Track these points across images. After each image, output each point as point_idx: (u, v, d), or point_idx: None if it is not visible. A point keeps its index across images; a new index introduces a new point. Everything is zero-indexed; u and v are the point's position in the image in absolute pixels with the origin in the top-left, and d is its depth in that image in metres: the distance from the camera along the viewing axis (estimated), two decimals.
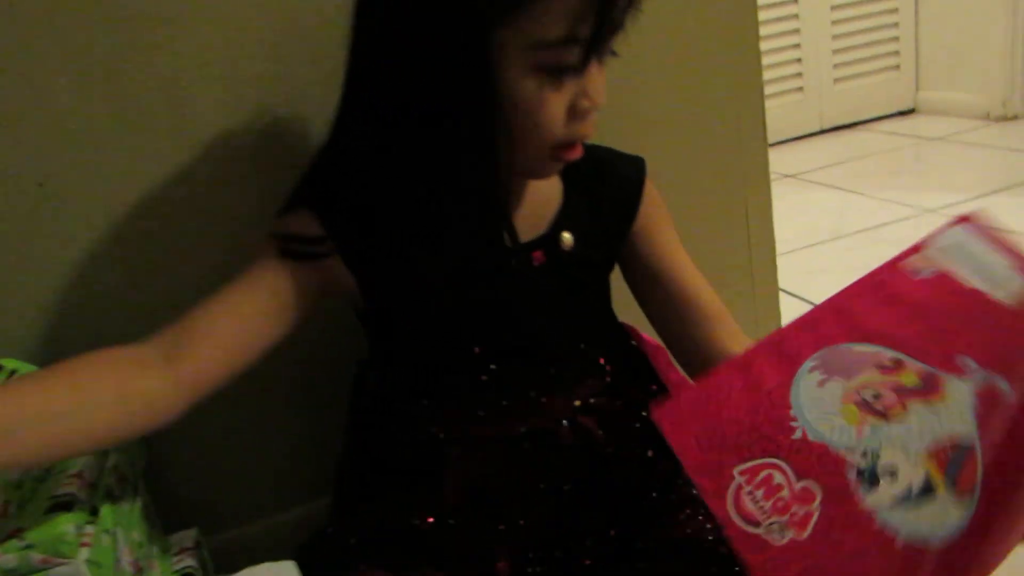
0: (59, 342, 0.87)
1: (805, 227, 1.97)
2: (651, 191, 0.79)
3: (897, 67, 2.93)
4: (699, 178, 1.10)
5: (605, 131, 0.81)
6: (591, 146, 0.78)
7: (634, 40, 0.80)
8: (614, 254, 0.79)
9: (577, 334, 0.77)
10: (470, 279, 0.71)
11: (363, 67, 0.65)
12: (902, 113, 2.98)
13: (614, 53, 0.65)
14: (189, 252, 0.88)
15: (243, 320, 0.66)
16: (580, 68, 0.60)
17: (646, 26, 0.94)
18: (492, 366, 0.73)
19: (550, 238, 0.73)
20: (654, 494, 0.76)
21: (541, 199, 0.74)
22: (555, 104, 0.61)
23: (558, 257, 0.73)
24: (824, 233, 1.91)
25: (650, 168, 0.80)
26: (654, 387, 0.81)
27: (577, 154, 0.66)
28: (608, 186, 0.76)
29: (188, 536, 0.91)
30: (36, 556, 0.63)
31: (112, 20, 0.79)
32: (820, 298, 1.64)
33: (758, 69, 1.10)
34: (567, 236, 0.73)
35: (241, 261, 0.69)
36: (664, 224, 0.80)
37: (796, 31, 2.78)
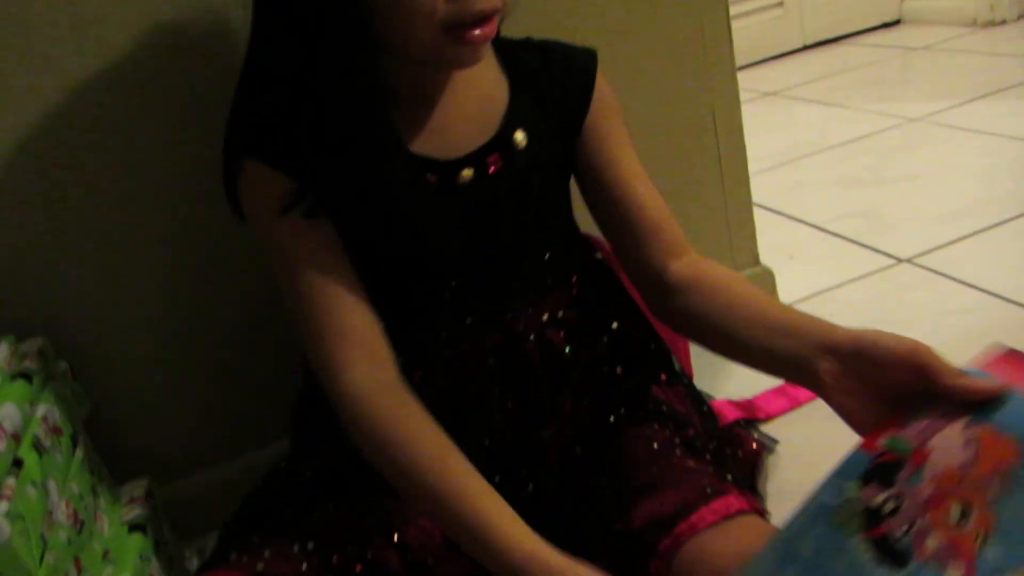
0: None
1: (786, 143, 1.90)
2: (603, 85, 0.73)
3: None
4: (663, 90, 1.04)
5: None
6: (539, 40, 0.74)
7: None
8: (569, 153, 0.73)
9: (540, 244, 0.72)
10: (403, 192, 0.66)
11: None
12: (887, 25, 2.89)
13: None
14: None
15: (360, 294, 0.65)
16: None
17: None
18: (453, 283, 0.68)
19: (502, 139, 0.68)
20: (622, 410, 0.73)
21: (485, 99, 0.69)
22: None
23: (513, 160, 0.68)
24: (806, 148, 1.85)
25: (613, 80, 0.74)
26: (620, 299, 0.78)
27: (485, 32, 0.60)
28: (557, 78, 0.71)
29: (139, 486, 0.87)
30: None
31: None
32: (801, 213, 1.59)
33: None
34: (519, 135, 0.69)
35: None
36: (616, 124, 0.74)
37: None
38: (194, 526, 0.92)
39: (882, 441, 0.48)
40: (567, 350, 0.73)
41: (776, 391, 0.96)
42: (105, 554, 0.78)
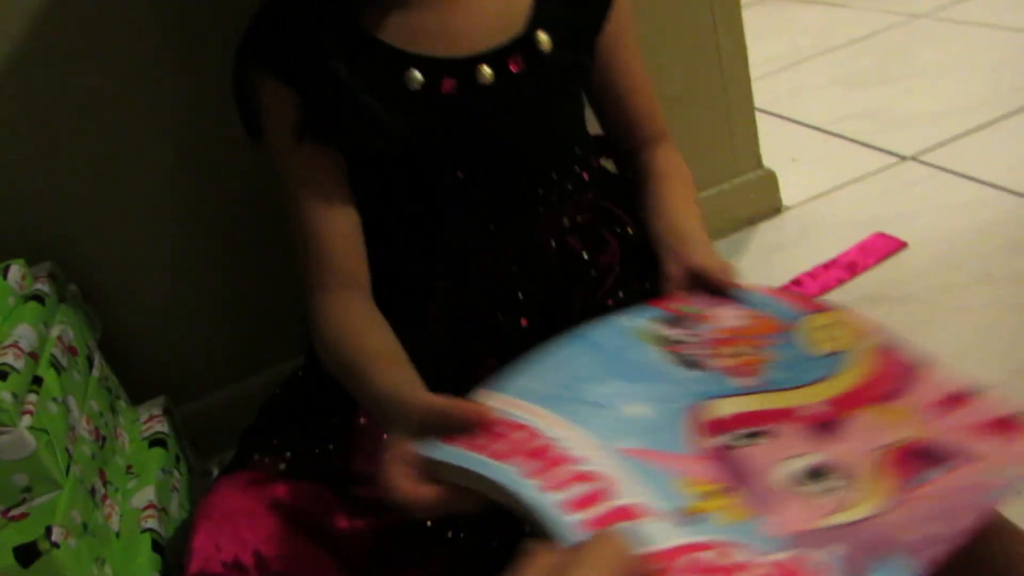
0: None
1: (788, 46, 1.87)
2: None
3: None
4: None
5: None
6: None
7: None
8: (589, 57, 0.72)
9: (559, 148, 0.72)
10: (411, 115, 0.64)
11: None
12: None
13: None
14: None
15: (348, 211, 0.67)
16: None
17: None
18: (475, 189, 0.68)
19: (526, 40, 0.66)
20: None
21: (507, 6, 0.67)
22: None
23: (536, 62, 0.66)
24: (807, 50, 1.81)
25: None
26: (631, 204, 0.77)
27: None
28: None
29: (156, 404, 0.89)
30: None
31: None
32: (804, 116, 1.56)
33: None
34: (544, 37, 0.67)
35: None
36: (629, 29, 0.73)
37: None
38: (215, 442, 0.94)
39: (673, 304, 0.57)
40: (584, 255, 0.73)
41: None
42: (128, 468, 0.80)
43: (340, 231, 0.66)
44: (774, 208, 1.16)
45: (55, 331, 0.75)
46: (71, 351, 0.77)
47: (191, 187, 0.89)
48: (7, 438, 0.62)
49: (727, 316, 0.55)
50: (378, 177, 0.67)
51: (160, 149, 0.86)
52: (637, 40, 0.74)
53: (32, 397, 0.65)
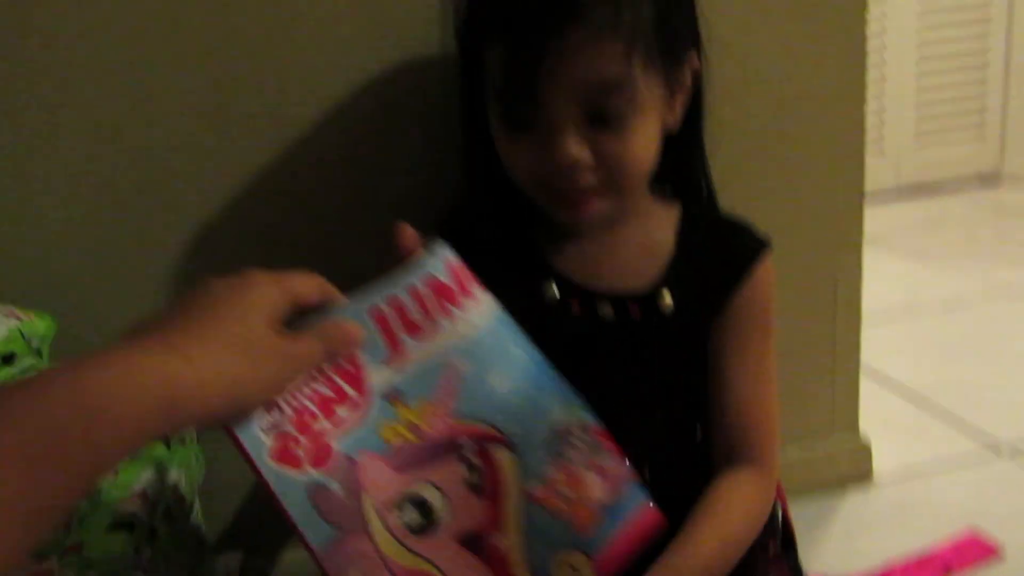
0: None
1: (878, 295, 1.89)
2: (765, 279, 0.73)
3: (982, 132, 2.84)
4: (788, 238, 1.04)
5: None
6: (726, 217, 0.77)
7: (742, 95, 0.87)
8: (707, 333, 0.73)
9: (655, 402, 0.73)
10: (539, 322, 0.65)
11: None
12: (983, 180, 2.89)
13: (615, 118, 0.63)
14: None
15: None
16: (517, 122, 0.65)
17: (754, 85, 0.94)
18: None
19: (649, 295, 0.71)
20: None
21: (647, 252, 0.72)
22: (515, 151, 0.67)
23: (656, 315, 0.70)
24: (900, 305, 1.84)
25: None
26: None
27: (582, 204, 0.67)
28: (719, 253, 0.73)
29: (234, 559, 0.89)
30: None
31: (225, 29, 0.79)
32: (897, 376, 1.56)
33: (861, 131, 1.06)
34: (667, 295, 0.71)
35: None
36: (753, 338, 0.73)
37: (881, 87, 2.72)
38: None
39: None
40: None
41: None
42: None
43: None
44: (865, 475, 1.15)
45: (172, 476, 0.77)
46: (180, 500, 0.78)
47: None
48: None
49: None
50: None
51: None
52: (766, 355, 0.74)
53: (147, 551, 0.66)
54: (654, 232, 0.73)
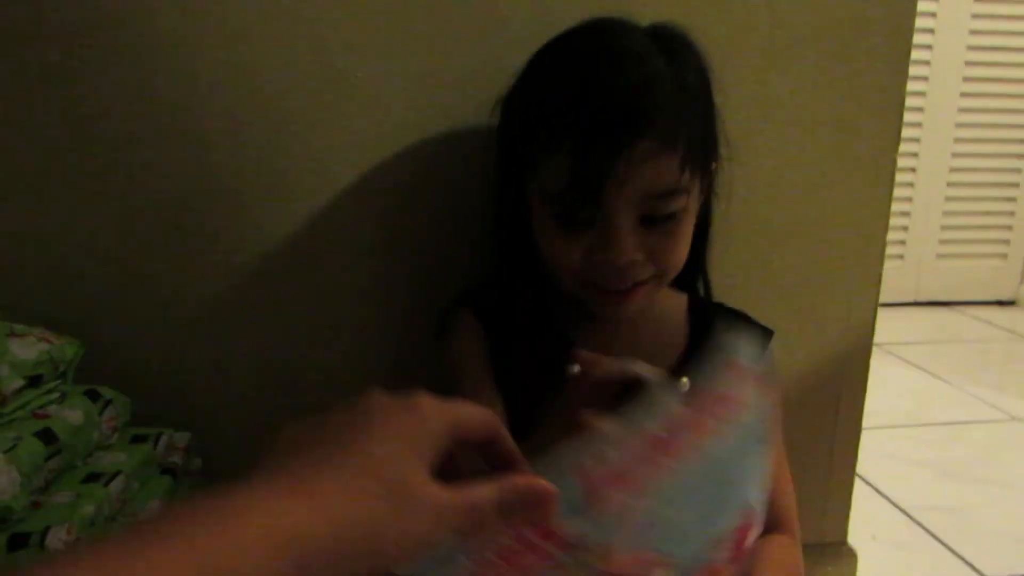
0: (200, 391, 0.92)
1: (881, 404, 1.92)
2: (773, 364, 0.83)
3: (1005, 255, 2.87)
4: (798, 344, 1.09)
5: (723, 287, 0.86)
6: (729, 309, 0.84)
7: (767, 193, 0.90)
8: None
9: None
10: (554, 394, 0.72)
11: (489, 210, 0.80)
12: (1002, 303, 2.92)
13: (666, 219, 0.69)
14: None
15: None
16: (575, 224, 0.68)
17: (781, 186, 0.98)
18: None
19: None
20: None
21: (662, 341, 0.79)
22: (567, 250, 0.70)
23: None
24: (901, 417, 1.86)
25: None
26: None
27: (620, 301, 0.71)
28: None
29: None
30: None
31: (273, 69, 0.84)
32: (888, 490, 1.57)
33: (880, 254, 1.10)
34: (685, 381, 0.74)
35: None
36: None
37: (908, 199, 2.76)
38: None
39: None
40: None
41: None
42: None
43: None
44: None
45: None
46: None
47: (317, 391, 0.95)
48: None
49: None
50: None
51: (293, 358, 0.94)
52: (780, 433, 0.82)
53: None
54: (668, 319, 0.79)
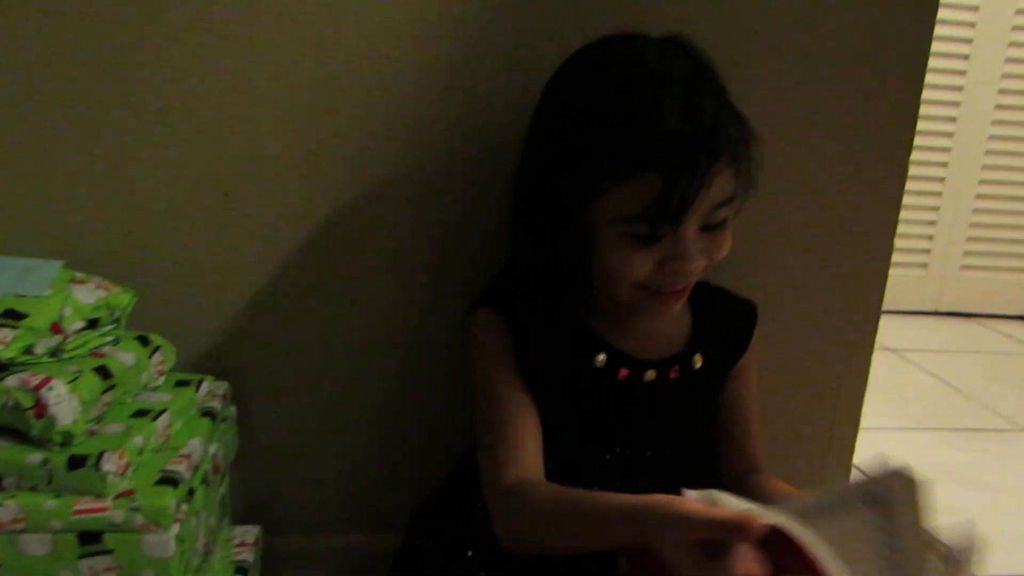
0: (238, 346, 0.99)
1: (894, 406, 1.96)
2: (757, 335, 0.92)
3: None
4: (801, 341, 1.13)
5: (725, 275, 0.92)
6: (715, 287, 0.92)
7: (772, 189, 0.90)
8: (726, 376, 0.90)
9: (690, 441, 0.88)
10: (591, 384, 0.83)
11: (518, 218, 0.84)
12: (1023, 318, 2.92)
13: (714, 226, 0.75)
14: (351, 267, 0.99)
15: (535, 419, 0.80)
16: (655, 240, 0.73)
17: (790, 185, 1.03)
18: (617, 450, 0.84)
19: (683, 357, 0.86)
20: None
21: (674, 324, 0.87)
22: (640, 264, 0.75)
23: (689, 374, 0.85)
24: (909, 420, 1.90)
25: (765, 324, 0.93)
26: None
27: (679, 299, 0.79)
28: (729, 322, 0.90)
29: (250, 532, 0.99)
30: (139, 519, 0.72)
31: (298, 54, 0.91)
32: None
33: (887, 254, 1.14)
34: (698, 358, 0.86)
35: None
36: (752, 367, 0.93)
37: (935, 208, 2.77)
38: None
39: None
40: None
41: None
42: None
43: (531, 428, 0.79)
44: None
45: (212, 448, 0.87)
46: (216, 469, 0.88)
47: (350, 355, 1.02)
48: (157, 538, 0.72)
49: None
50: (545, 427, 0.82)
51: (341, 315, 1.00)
52: (755, 379, 0.92)
53: (184, 507, 0.76)
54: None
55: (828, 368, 1.16)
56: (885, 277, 1.17)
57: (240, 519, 1.02)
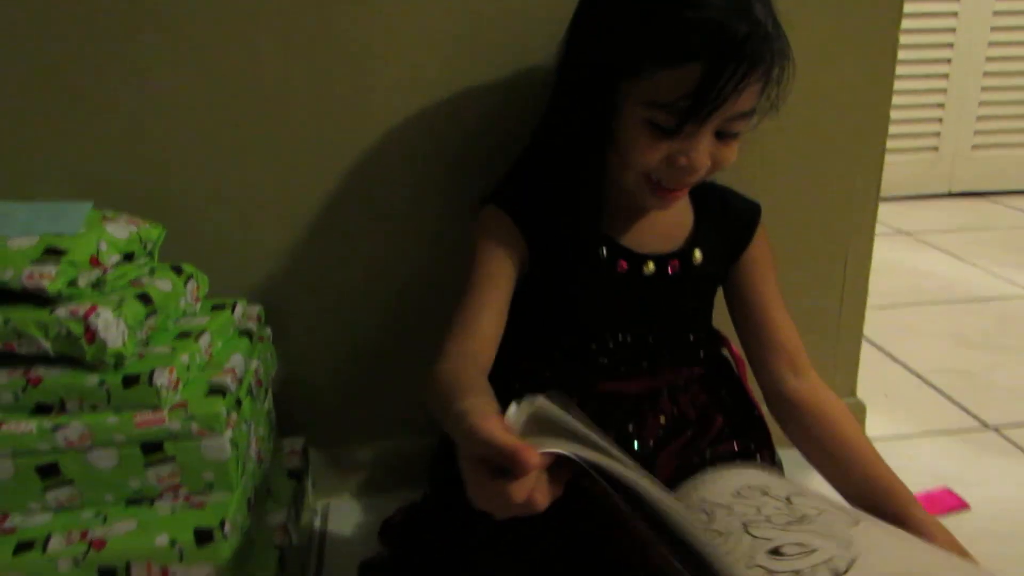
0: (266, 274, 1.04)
1: (909, 284, 1.99)
2: (763, 233, 0.95)
3: None
4: (805, 219, 1.16)
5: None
6: (718, 186, 0.95)
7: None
8: (725, 273, 0.94)
9: (688, 329, 0.92)
10: (596, 274, 0.87)
11: (549, 106, 0.87)
12: None
13: (734, 135, 0.78)
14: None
15: (499, 320, 0.84)
16: (676, 132, 0.75)
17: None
18: (619, 337, 0.89)
19: (684, 252, 0.89)
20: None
21: (676, 220, 0.91)
22: (652, 152, 0.77)
23: (688, 268, 0.89)
24: (926, 295, 1.93)
25: (763, 205, 0.95)
26: (736, 389, 0.95)
27: (675, 198, 0.82)
28: (729, 218, 0.93)
29: (297, 442, 1.06)
30: (195, 426, 0.78)
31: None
32: (907, 358, 1.65)
33: (883, 130, 1.16)
34: (698, 253, 0.90)
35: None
36: (766, 264, 0.95)
37: (943, 90, 2.75)
38: (327, 487, 1.11)
39: None
40: (690, 410, 0.90)
41: None
42: (268, 490, 0.96)
43: (491, 323, 0.83)
44: None
45: (253, 364, 0.93)
46: (259, 383, 0.94)
47: (374, 278, 1.07)
48: (214, 442, 0.79)
49: None
50: (547, 306, 0.88)
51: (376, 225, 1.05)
52: (773, 273, 0.94)
53: (234, 416, 0.82)
54: (678, 203, 0.88)
55: (833, 248, 1.19)
56: (882, 152, 1.19)
57: (284, 433, 1.08)
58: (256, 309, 1.01)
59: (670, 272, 0.88)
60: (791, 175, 1.13)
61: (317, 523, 1.08)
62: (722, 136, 0.78)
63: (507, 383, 0.88)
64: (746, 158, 1.04)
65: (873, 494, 0.81)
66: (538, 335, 0.90)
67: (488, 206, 0.89)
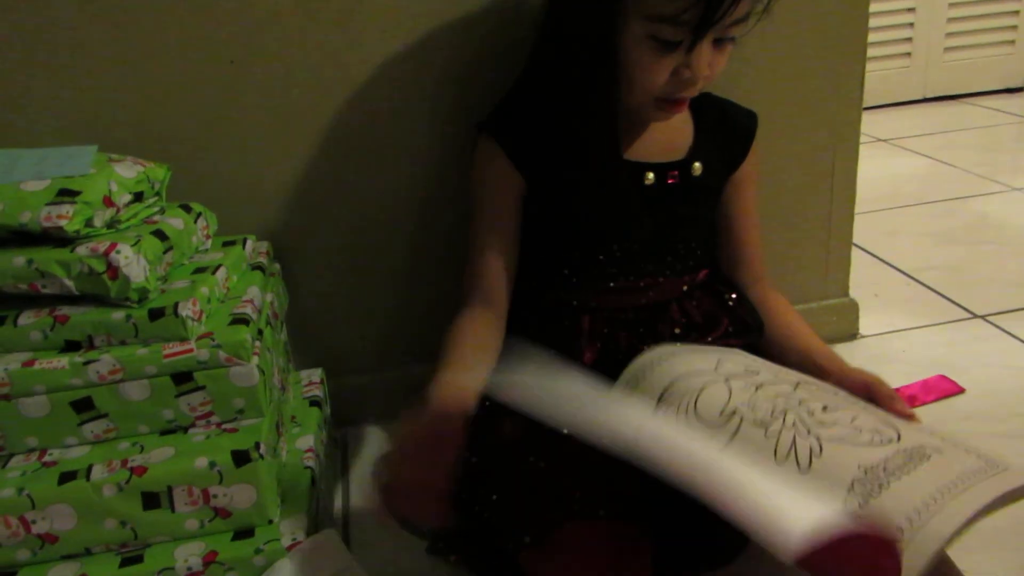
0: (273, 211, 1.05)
1: (889, 189, 2.03)
2: (755, 148, 0.96)
3: (1012, 42, 2.88)
4: (793, 130, 1.18)
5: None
6: (716, 97, 0.96)
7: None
8: (723, 184, 0.96)
9: (690, 237, 0.94)
10: (602, 186, 0.89)
11: (545, 29, 0.87)
12: (1010, 90, 2.94)
13: (732, 39, 0.79)
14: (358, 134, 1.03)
15: (508, 255, 0.91)
16: (683, 45, 0.76)
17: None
18: (625, 250, 0.91)
19: (684, 163, 0.91)
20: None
21: (677, 132, 0.92)
22: (658, 69, 0.78)
23: (687, 179, 0.91)
24: (907, 198, 1.97)
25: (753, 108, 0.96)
26: (735, 291, 0.98)
27: (679, 109, 0.84)
28: (728, 131, 0.95)
29: (315, 373, 1.08)
30: (223, 354, 0.80)
31: None
32: (894, 259, 1.69)
33: (863, 34, 1.17)
34: (697, 165, 0.92)
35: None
36: (752, 181, 0.98)
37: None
38: (347, 417, 1.14)
39: None
40: (696, 315, 0.93)
41: None
42: (292, 418, 0.99)
43: (499, 261, 0.90)
44: (851, 334, 1.32)
45: (268, 297, 0.95)
46: (274, 315, 0.96)
47: (382, 210, 1.09)
48: (243, 369, 0.81)
49: None
50: (553, 226, 0.91)
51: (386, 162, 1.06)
52: (755, 188, 0.98)
53: (257, 343, 0.84)
54: (679, 116, 0.89)
55: (821, 153, 1.22)
56: (863, 62, 1.20)
57: (300, 366, 1.11)
58: (264, 245, 1.02)
59: (669, 183, 0.90)
60: (777, 85, 1.14)
61: (338, 450, 1.11)
62: (719, 43, 0.79)
63: (525, 314, 0.92)
64: (735, 67, 1.07)
65: (811, 362, 0.87)
66: (546, 254, 0.92)
67: (482, 136, 0.90)
